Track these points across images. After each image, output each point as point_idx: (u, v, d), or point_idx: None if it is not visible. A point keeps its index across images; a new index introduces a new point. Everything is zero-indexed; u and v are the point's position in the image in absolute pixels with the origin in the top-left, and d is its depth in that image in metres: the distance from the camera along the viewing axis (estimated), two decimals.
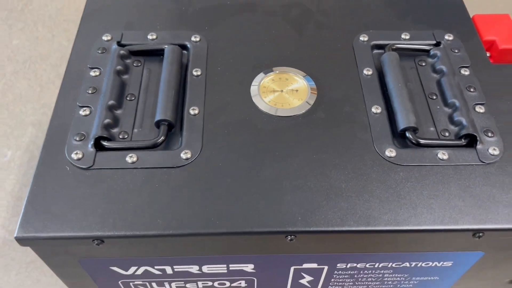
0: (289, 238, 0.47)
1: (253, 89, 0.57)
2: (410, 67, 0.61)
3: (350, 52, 0.61)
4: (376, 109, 0.55)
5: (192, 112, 0.55)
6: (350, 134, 0.53)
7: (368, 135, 0.53)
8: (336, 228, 0.47)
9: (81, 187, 0.49)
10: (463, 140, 0.53)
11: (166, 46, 0.60)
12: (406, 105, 0.54)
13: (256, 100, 0.56)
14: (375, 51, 0.62)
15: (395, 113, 0.54)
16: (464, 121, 0.53)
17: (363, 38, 0.62)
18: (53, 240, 0.47)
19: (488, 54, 0.63)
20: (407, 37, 0.62)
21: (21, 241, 0.47)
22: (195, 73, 0.58)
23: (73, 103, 0.56)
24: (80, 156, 0.51)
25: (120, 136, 0.54)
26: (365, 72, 0.59)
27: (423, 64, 0.61)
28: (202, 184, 0.49)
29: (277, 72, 0.59)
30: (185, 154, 0.51)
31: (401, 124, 0.53)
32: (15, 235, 0.47)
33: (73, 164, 0.50)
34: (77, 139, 0.52)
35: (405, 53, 0.62)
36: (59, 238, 0.47)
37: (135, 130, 0.54)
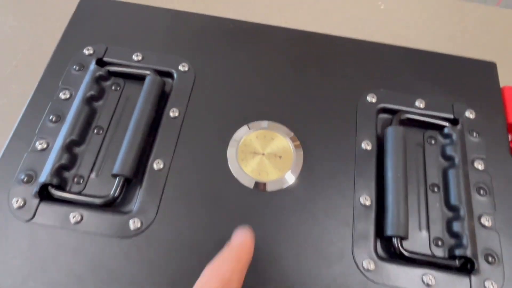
0: None
1: (232, 146, 0.39)
2: (416, 142, 0.41)
3: (353, 114, 0.41)
4: (365, 200, 0.37)
5: (156, 166, 0.37)
6: (329, 228, 0.35)
7: (349, 233, 0.35)
8: None
9: (16, 242, 0.34)
10: (457, 261, 0.35)
11: (148, 73, 0.41)
12: (400, 207, 0.35)
13: (231, 162, 0.38)
14: (382, 115, 0.42)
15: (386, 212, 0.36)
16: (463, 239, 0.35)
17: (371, 98, 0.42)
18: None
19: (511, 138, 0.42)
20: (422, 105, 0.41)
21: None
22: (171, 114, 0.40)
23: (35, 130, 0.39)
24: (21, 204, 0.35)
25: (75, 180, 0.37)
26: (363, 145, 0.39)
27: (433, 142, 0.41)
28: (144, 265, 0.33)
29: (263, 128, 0.40)
30: (134, 224, 0.35)
31: (389, 230, 0.34)
32: None
33: (12, 212, 0.35)
34: (24, 179, 0.36)
35: (415, 124, 0.41)
36: None
37: (92, 175, 0.37)
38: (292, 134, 0.39)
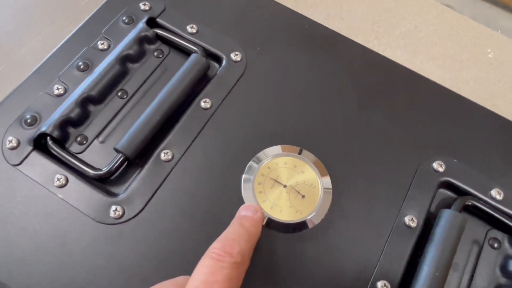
0: None
1: (253, 163, 0.33)
2: (474, 238, 0.32)
3: (408, 178, 0.33)
4: (383, 286, 0.29)
5: (163, 156, 0.32)
6: None
7: None
8: None
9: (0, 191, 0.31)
10: None
11: (196, 50, 0.36)
12: None
13: (246, 182, 0.32)
14: (443, 190, 0.34)
15: None
16: None
17: (438, 166, 0.33)
18: None
19: None
20: (499, 197, 0.32)
21: None
22: (203, 104, 0.35)
23: (59, 72, 0.35)
24: (14, 145, 0.32)
25: (77, 140, 0.33)
26: (406, 219, 0.32)
27: (496, 246, 0.32)
28: (110, 260, 0.29)
29: (296, 155, 0.33)
30: (115, 212, 0.30)
31: None
32: None
33: (1, 151, 0.32)
34: (28, 120, 0.33)
35: (480, 214, 0.33)
36: None
37: (96, 141, 0.33)
38: (327, 175, 0.33)
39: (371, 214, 0.32)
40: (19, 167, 0.31)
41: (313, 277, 0.29)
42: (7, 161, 0.31)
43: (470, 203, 0.32)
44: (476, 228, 0.33)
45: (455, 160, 0.34)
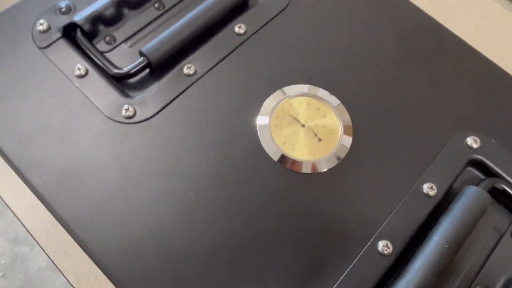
0: None
1: (275, 97, 0.31)
2: (495, 226, 0.29)
3: (436, 147, 0.31)
4: (385, 247, 0.27)
5: (186, 69, 0.31)
6: (327, 258, 0.27)
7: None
8: None
9: (18, 61, 0.31)
10: None
11: None
12: (424, 285, 0.25)
13: (263, 113, 0.30)
14: (472, 169, 0.31)
15: (403, 278, 0.26)
16: None
17: (472, 142, 0.31)
18: None
19: None
20: None
21: None
22: (236, 29, 0.33)
23: None
24: (44, 28, 0.32)
25: (106, 39, 0.33)
26: (425, 187, 0.29)
27: None
28: (112, 156, 0.28)
29: (321, 98, 0.31)
30: (127, 111, 0.29)
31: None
32: None
33: (31, 33, 0.32)
34: (63, 9, 0.33)
35: (507, 203, 0.30)
36: None
37: (124, 44, 0.33)
38: (350, 124, 0.31)
39: (388, 173, 0.29)
40: (45, 50, 0.31)
41: (313, 221, 0.28)
42: (35, 43, 0.31)
43: (499, 187, 0.29)
44: (500, 216, 0.29)
45: (493, 140, 0.31)
